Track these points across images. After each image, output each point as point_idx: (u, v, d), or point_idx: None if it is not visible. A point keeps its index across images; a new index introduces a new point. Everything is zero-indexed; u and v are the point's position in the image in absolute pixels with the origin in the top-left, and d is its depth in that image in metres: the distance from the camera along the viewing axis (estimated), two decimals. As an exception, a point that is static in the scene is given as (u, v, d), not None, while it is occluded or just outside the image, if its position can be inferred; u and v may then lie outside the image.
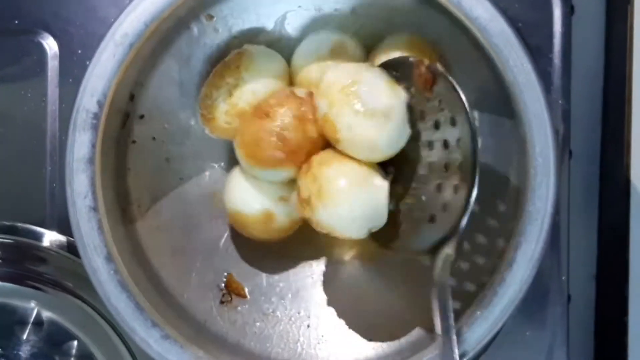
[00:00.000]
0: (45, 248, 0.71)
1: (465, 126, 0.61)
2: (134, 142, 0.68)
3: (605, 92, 0.78)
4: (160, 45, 0.66)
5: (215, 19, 0.68)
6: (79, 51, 0.70)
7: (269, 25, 0.70)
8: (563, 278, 0.70)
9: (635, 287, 0.72)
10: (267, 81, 0.65)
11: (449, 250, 0.62)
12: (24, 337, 0.68)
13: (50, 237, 0.72)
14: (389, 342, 0.69)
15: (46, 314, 0.68)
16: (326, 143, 0.64)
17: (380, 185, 0.62)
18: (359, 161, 0.63)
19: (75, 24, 0.70)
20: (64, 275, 0.70)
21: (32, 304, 0.68)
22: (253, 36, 0.69)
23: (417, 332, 0.69)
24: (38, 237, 0.71)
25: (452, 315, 0.61)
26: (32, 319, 0.68)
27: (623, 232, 0.73)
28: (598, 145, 0.78)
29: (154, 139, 0.68)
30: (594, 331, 0.78)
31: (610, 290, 0.76)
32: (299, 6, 0.69)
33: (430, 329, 0.68)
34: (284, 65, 0.68)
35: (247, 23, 0.69)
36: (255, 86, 0.65)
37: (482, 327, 0.62)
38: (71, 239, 0.70)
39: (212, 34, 0.69)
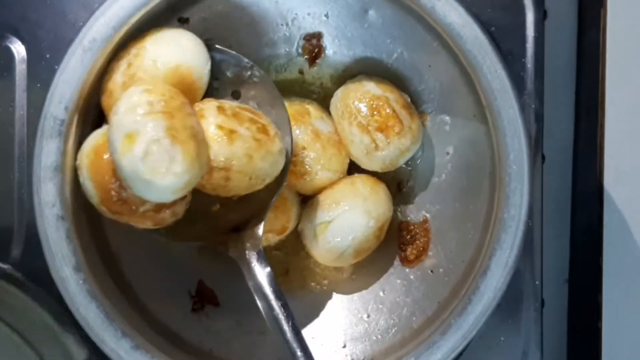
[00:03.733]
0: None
1: None
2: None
3: (578, 96, 0.78)
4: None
5: (189, 22, 0.67)
6: (48, 55, 0.68)
7: (243, 27, 0.69)
8: (537, 283, 0.70)
9: (609, 292, 0.72)
10: (172, 51, 0.62)
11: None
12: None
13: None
14: (362, 349, 0.69)
15: None
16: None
17: None
18: None
19: (43, 28, 0.69)
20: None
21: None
22: (226, 40, 0.69)
23: (391, 338, 0.69)
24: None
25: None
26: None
27: (596, 237, 0.73)
28: (571, 149, 0.78)
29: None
30: (567, 336, 0.79)
31: (583, 295, 0.77)
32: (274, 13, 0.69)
33: (405, 333, 0.68)
34: (198, 43, 0.64)
35: (220, 26, 0.68)
36: (158, 54, 0.61)
37: (456, 335, 0.62)
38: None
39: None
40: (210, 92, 0.64)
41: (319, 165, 0.68)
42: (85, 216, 0.64)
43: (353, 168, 0.71)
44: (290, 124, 0.64)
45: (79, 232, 0.62)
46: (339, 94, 0.69)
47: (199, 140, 0.57)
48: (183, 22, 0.67)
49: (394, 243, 0.72)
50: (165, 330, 0.67)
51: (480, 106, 0.64)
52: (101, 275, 0.63)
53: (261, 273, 0.62)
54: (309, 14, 0.69)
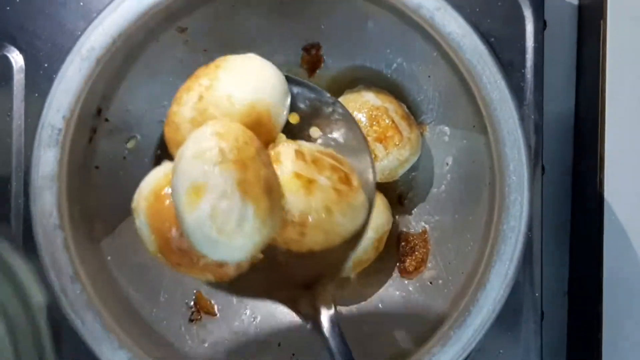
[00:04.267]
0: None
1: None
2: (100, 157, 0.67)
3: (577, 107, 0.78)
4: (128, 59, 0.65)
5: (187, 31, 0.67)
6: (46, 65, 0.68)
7: (241, 37, 0.69)
8: (537, 295, 0.69)
9: (609, 304, 0.72)
10: (249, 85, 0.55)
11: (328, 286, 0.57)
12: None
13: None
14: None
15: None
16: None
17: None
18: None
19: (41, 38, 0.69)
20: None
21: None
22: (223, 50, 0.68)
23: (385, 351, 0.68)
24: None
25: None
26: None
27: (596, 248, 0.73)
28: (571, 161, 0.78)
29: (122, 155, 0.67)
30: (567, 348, 0.78)
31: (583, 307, 0.76)
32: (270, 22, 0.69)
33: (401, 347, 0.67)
34: (278, 76, 0.57)
35: (218, 36, 0.68)
36: (233, 88, 0.55)
37: (455, 347, 0.62)
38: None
39: (181, 46, 0.68)
40: (287, 128, 0.58)
41: None
42: (83, 226, 0.64)
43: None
44: (375, 170, 0.59)
45: (76, 242, 0.61)
46: (337, 104, 0.69)
47: (274, 195, 0.51)
48: (181, 32, 0.67)
49: (393, 254, 0.71)
50: (163, 341, 0.67)
51: (480, 117, 0.64)
52: (98, 285, 0.63)
53: (334, 337, 0.54)
54: (306, 24, 0.69)
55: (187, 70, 0.68)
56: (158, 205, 0.53)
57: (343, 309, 0.71)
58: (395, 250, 0.71)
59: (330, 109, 0.60)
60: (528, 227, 0.62)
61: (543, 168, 0.71)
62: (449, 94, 0.67)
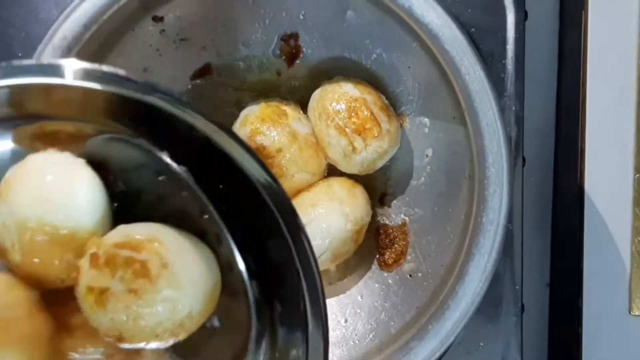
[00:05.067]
0: None
1: None
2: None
3: (559, 98, 0.78)
4: (102, 48, 0.64)
5: (164, 20, 0.66)
6: (20, 54, 0.67)
7: (219, 27, 0.68)
8: (517, 287, 0.69)
9: (589, 297, 0.72)
10: (37, 210, 0.46)
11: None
12: None
13: None
14: (339, 354, 0.68)
15: None
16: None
17: None
18: None
19: (15, 26, 0.68)
20: None
21: None
22: (200, 39, 0.68)
23: (369, 343, 0.68)
24: None
25: None
26: None
27: (577, 240, 0.73)
28: (551, 152, 0.78)
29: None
30: (547, 341, 0.78)
31: (564, 299, 0.76)
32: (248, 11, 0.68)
33: (382, 338, 0.67)
34: (83, 181, 0.48)
35: (195, 26, 0.67)
36: (23, 213, 0.46)
37: (434, 341, 0.62)
38: None
39: (157, 36, 0.67)
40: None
41: (296, 167, 0.67)
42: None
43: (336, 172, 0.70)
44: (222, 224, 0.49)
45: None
46: (316, 95, 0.68)
47: (35, 340, 0.45)
48: (157, 21, 0.66)
49: (372, 246, 0.71)
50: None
51: (460, 108, 0.63)
52: None
53: None
54: (285, 14, 0.68)
55: (163, 60, 0.68)
56: None
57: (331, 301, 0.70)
58: (375, 243, 0.71)
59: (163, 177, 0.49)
60: (508, 219, 0.62)
61: (524, 160, 0.70)
62: (429, 85, 0.67)
